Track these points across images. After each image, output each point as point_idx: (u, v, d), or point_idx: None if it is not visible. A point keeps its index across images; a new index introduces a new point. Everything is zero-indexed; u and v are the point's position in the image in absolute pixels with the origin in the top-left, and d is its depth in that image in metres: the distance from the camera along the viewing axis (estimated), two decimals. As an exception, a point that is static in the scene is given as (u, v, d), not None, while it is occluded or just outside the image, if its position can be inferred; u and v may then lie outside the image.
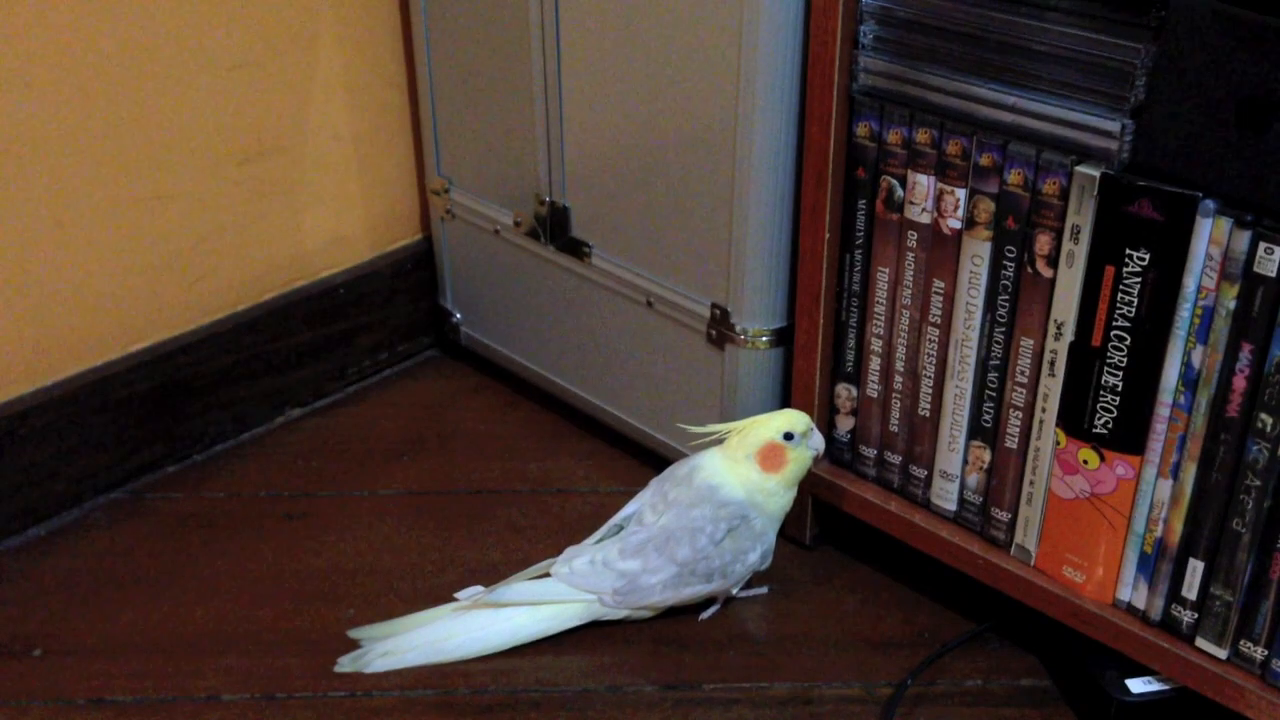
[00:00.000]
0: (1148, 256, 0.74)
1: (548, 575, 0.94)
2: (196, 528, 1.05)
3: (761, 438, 0.92)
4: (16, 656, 0.92)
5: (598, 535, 0.97)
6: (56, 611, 0.97)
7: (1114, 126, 0.74)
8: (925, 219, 0.85)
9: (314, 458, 1.14)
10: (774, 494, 0.93)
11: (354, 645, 0.93)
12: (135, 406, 1.08)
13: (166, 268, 1.09)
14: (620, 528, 0.96)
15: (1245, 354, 0.73)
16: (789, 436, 0.91)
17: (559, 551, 0.99)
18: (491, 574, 1.00)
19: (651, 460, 1.11)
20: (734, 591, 0.97)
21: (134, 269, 1.07)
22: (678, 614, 0.97)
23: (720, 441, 0.94)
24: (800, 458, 0.92)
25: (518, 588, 0.94)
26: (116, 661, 0.92)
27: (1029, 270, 0.80)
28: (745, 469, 0.92)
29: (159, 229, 1.07)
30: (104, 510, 1.07)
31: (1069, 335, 0.80)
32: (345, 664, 0.92)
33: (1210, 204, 0.71)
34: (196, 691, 0.90)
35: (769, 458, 0.92)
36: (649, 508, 0.95)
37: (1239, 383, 0.73)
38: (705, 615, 0.97)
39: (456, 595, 0.96)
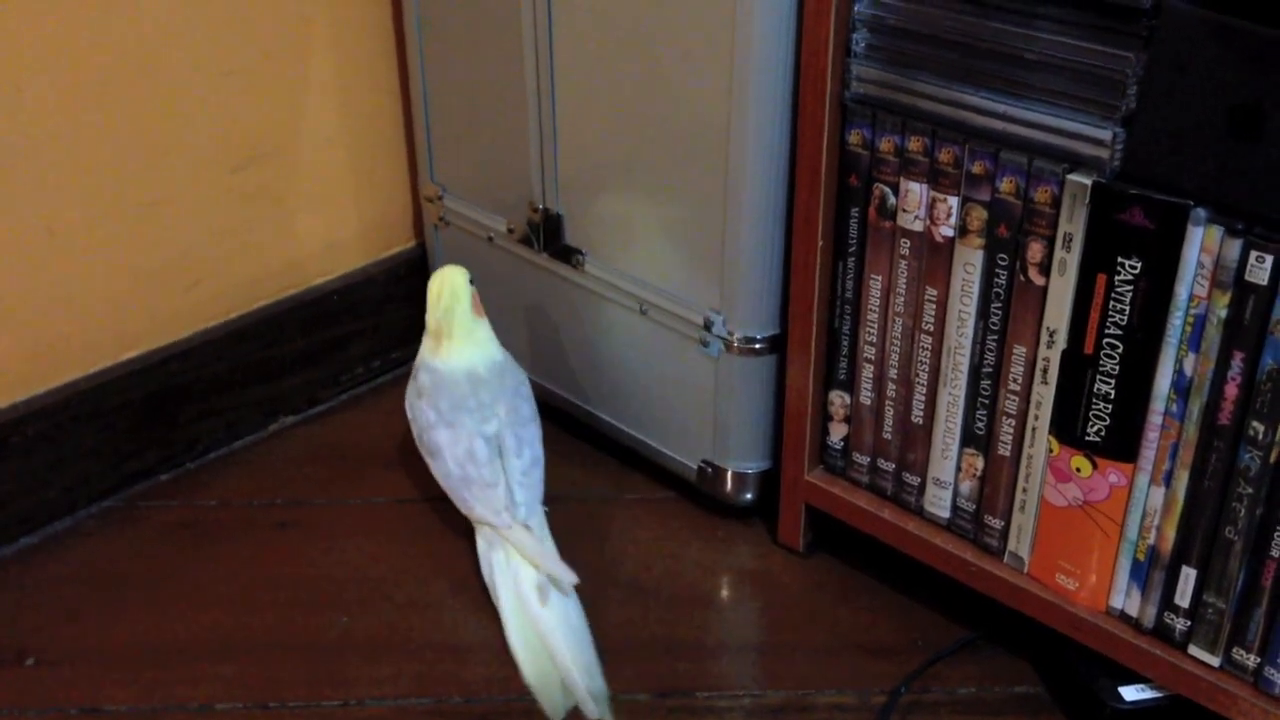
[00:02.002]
0: (1139, 264, 0.74)
1: (526, 529, 0.96)
2: (189, 536, 1.05)
3: (467, 297, 1.00)
4: (9, 665, 0.92)
5: (485, 479, 0.97)
6: (49, 620, 0.97)
7: (1105, 135, 0.74)
8: (918, 227, 0.85)
9: (307, 465, 1.14)
10: (488, 326, 1.02)
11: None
12: (128, 414, 1.08)
13: (159, 275, 1.09)
14: (497, 452, 0.97)
15: (1237, 362, 0.73)
16: (471, 282, 1.01)
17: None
18: (483, 582, 1.00)
19: (646, 467, 1.11)
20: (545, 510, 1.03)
21: (127, 276, 1.07)
22: (673, 621, 0.96)
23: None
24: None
25: (542, 550, 0.95)
26: (110, 670, 0.92)
27: (1021, 278, 0.81)
28: (476, 329, 1.01)
29: (152, 236, 1.07)
30: (97, 518, 1.07)
31: (1061, 343, 0.80)
32: (603, 713, 0.88)
33: (1202, 212, 0.71)
34: (190, 700, 0.90)
35: (477, 305, 1.02)
36: (482, 423, 0.97)
37: (1231, 390, 0.74)
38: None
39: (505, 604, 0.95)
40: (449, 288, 0.99)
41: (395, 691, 0.91)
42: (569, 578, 0.94)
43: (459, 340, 1.00)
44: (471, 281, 1.00)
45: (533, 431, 1.00)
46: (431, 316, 1.00)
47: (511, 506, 0.96)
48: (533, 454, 0.99)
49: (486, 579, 0.96)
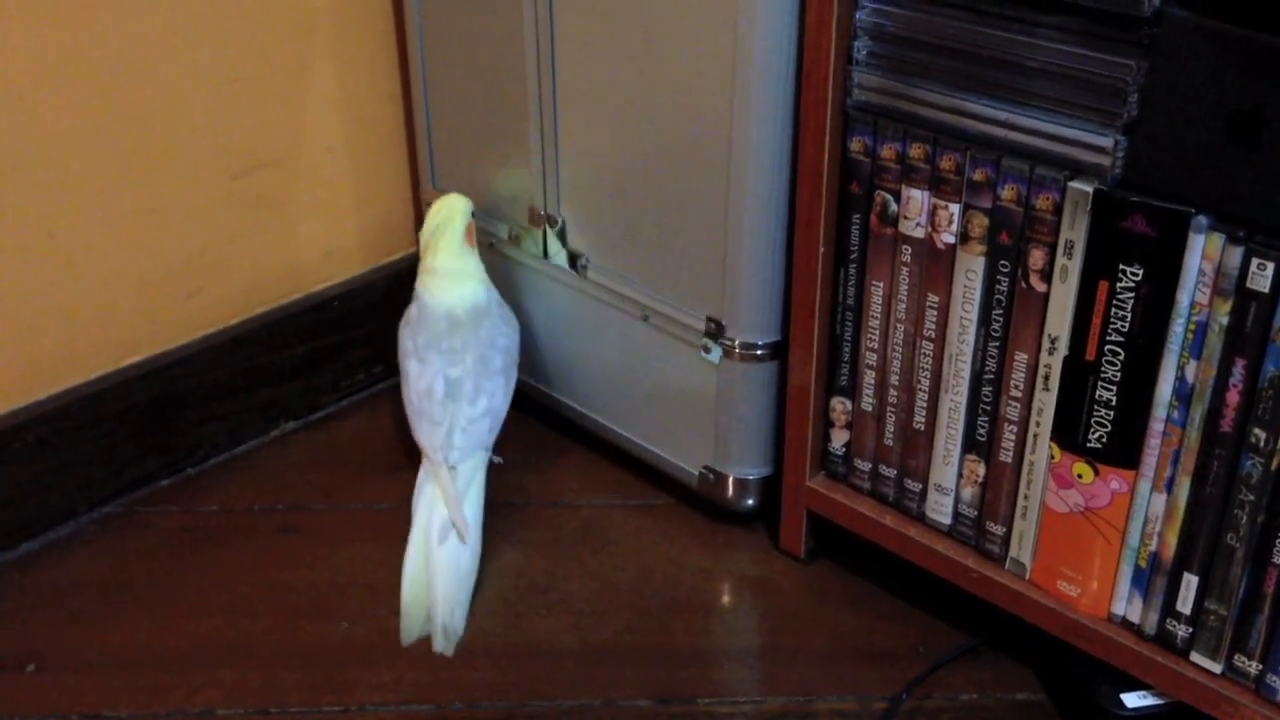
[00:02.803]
0: (1141, 272, 0.74)
1: (452, 471, 0.99)
2: (190, 542, 1.05)
3: (462, 224, 1.04)
4: (10, 672, 0.92)
5: (435, 418, 1.00)
6: (50, 627, 0.96)
7: (1107, 142, 0.74)
8: (919, 234, 0.85)
9: (308, 471, 1.14)
10: (479, 261, 1.06)
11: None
12: (129, 420, 1.08)
13: (160, 281, 1.09)
14: (447, 397, 1.00)
15: (1238, 369, 0.73)
16: (472, 214, 1.06)
17: (556, 568, 1.00)
18: (487, 586, 1.00)
19: (647, 472, 1.11)
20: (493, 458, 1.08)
21: (128, 282, 1.07)
22: (674, 627, 0.96)
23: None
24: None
25: (454, 493, 0.98)
26: (111, 676, 0.92)
27: (1023, 285, 0.81)
28: (465, 262, 1.04)
29: (153, 242, 1.07)
30: (97, 524, 1.07)
31: (1063, 350, 0.80)
32: (445, 646, 0.95)
33: (1203, 219, 0.72)
34: (191, 706, 0.90)
35: (470, 236, 1.05)
36: (449, 365, 1.01)
37: (1232, 397, 0.74)
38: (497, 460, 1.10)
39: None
40: (447, 208, 1.04)
41: (396, 697, 0.91)
42: (464, 530, 0.97)
43: (444, 265, 1.03)
44: (474, 215, 1.05)
45: (498, 383, 1.03)
46: (424, 232, 1.04)
47: (447, 448, 0.98)
48: (489, 405, 1.01)
49: (413, 503, 1.00)
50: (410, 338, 1.03)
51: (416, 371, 1.02)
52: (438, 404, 1.00)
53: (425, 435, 1.00)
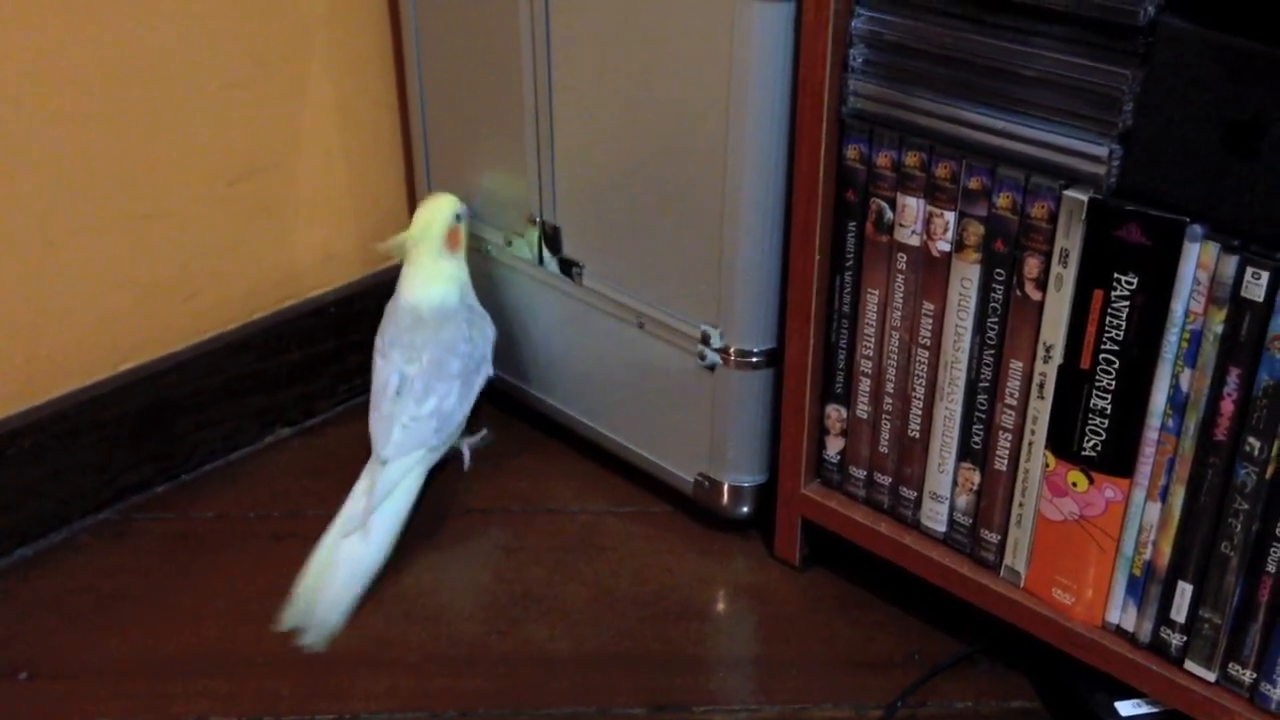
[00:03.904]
0: (1136, 280, 0.74)
1: (381, 466, 1.00)
2: (185, 549, 1.05)
3: (441, 230, 1.05)
4: (3, 679, 0.92)
5: (383, 411, 1.02)
6: (44, 634, 0.96)
7: (1102, 151, 0.74)
8: (915, 241, 0.85)
9: (304, 477, 1.14)
10: (462, 266, 1.07)
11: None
12: (124, 426, 1.08)
13: (157, 286, 1.09)
14: (398, 393, 1.02)
15: (1233, 378, 0.73)
16: (458, 218, 1.06)
17: (551, 575, 0.99)
18: (483, 594, 1.00)
19: (642, 479, 1.11)
20: (465, 445, 1.12)
21: (124, 288, 1.07)
22: (669, 635, 0.96)
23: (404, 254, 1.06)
24: (466, 230, 1.08)
25: (377, 487, 0.99)
26: (104, 684, 0.92)
27: (1018, 293, 0.81)
28: (440, 265, 1.05)
29: (149, 248, 1.07)
30: (92, 531, 1.07)
31: (1058, 358, 0.80)
32: (314, 640, 0.95)
33: (1198, 229, 0.72)
34: (185, 714, 0.89)
35: (452, 241, 1.06)
36: (405, 362, 1.03)
37: (1227, 406, 0.74)
38: (467, 466, 1.12)
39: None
40: (429, 213, 1.06)
41: (390, 705, 0.90)
42: (349, 526, 0.98)
43: (421, 269, 1.05)
44: (459, 218, 1.06)
45: (451, 387, 1.03)
46: (409, 230, 1.05)
47: (385, 442, 1.00)
48: (437, 406, 1.02)
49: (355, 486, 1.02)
50: (380, 333, 1.06)
51: (379, 365, 1.05)
52: (388, 398, 1.02)
53: (372, 426, 1.03)
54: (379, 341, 1.06)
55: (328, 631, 0.96)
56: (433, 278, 1.05)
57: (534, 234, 1.09)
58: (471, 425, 1.12)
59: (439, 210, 1.06)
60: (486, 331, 1.09)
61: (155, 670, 0.93)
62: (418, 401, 1.02)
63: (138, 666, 0.93)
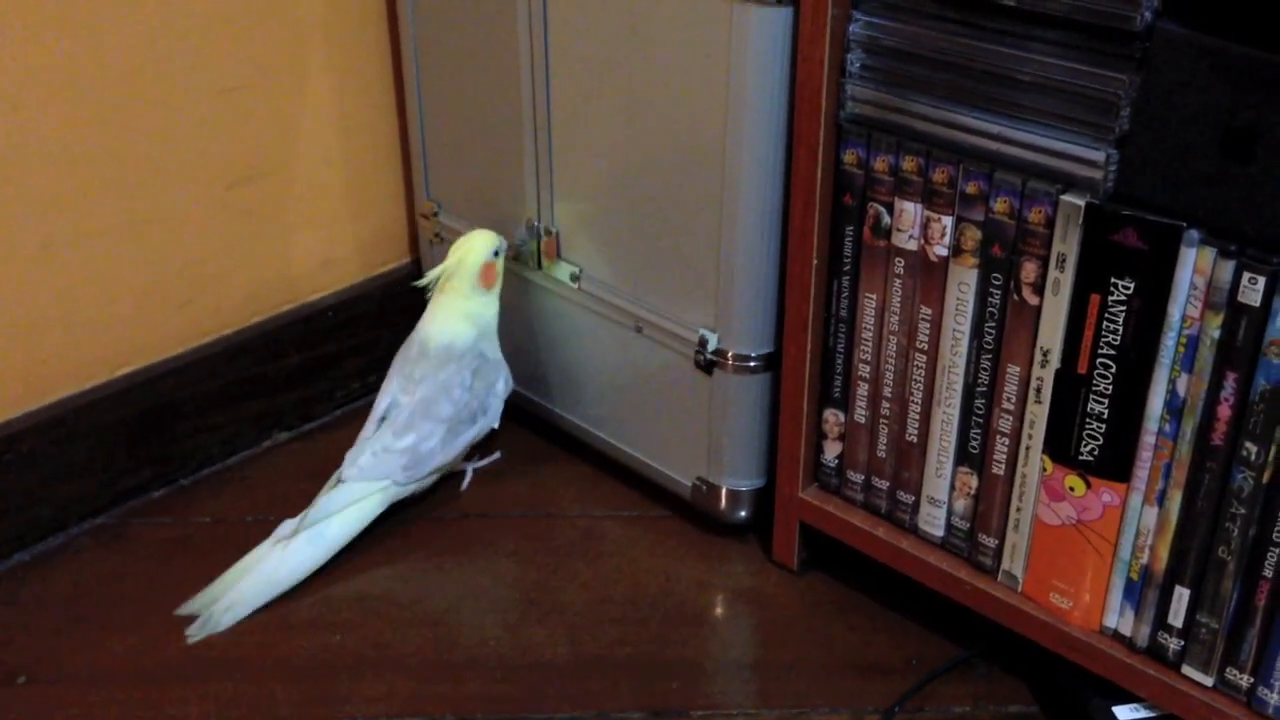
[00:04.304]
0: (1133, 285, 0.75)
1: (338, 484, 1.02)
2: (183, 553, 1.05)
3: (477, 264, 1.02)
4: (1, 683, 0.92)
5: (366, 434, 1.03)
6: (41, 639, 0.96)
7: (1099, 156, 0.74)
8: (912, 246, 0.85)
9: (302, 481, 1.13)
10: (491, 305, 1.05)
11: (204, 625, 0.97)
12: (122, 431, 1.08)
13: (155, 291, 1.09)
14: (383, 419, 1.02)
15: (1230, 382, 0.73)
16: (495, 254, 1.04)
17: (550, 579, 0.99)
18: (481, 598, 1.00)
19: (640, 484, 1.11)
20: (469, 467, 1.10)
21: (122, 292, 1.07)
22: (667, 639, 0.96)
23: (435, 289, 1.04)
24: (502, 267, 1.05)
25: (322, 503, 1.00)
26: (102, 689, 0.92)
27: (1015, 298, 0.81)
28: (465, 303, 1.03)
29: (148, 252, 1.07)
30: (90, 535, 1.07)
31: (1055, 362, 0.80)
32: (196, 633, 0.95)
33: (1195, 233, 0.72)
34: (183, 719, 0.89)
35: (487, 277, 1.03)
36: (400, 392, 1.02)
37: (1224, 411, 0.74)
38: (463, 487, 1.10)
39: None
40: (466, 246, 1.03)
41: (388, 710, 0.90)
42: (279, 534, 1.00)
43: (445, 303, 1.03)
44: (498, 253, 1.04)
45: (435, 430, 1.02)
46: (446, 262, 1.03)
47: (351, 462, 1.01)
48: (414, 444, 1.01)
49: None
50: (398, 353, 1.07)
51: (384, 385, 1.05)
52: (374, 421, 1.03)
53: (356, 443, 1.03)
54: (394, 360, 1.06)
55: (212, 629, 0.96)
56: (452, 314, 1.04)
57: (531, 242, 1.09)
58: (484, 446, 1.12)
59: (476, 245, 1.03)
60: (495, 383, 1.06)
61: (154, 675, 0.93)
62: (396, 434, 1.02)
63: (136, 671, 0.93)
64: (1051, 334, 0.80)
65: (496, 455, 1.14)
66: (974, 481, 0.88)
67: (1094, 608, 0.85)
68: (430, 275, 1.04)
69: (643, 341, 1.04)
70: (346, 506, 1.01)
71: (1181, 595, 0.80)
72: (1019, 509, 0.86)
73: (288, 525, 1.01)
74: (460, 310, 1.04)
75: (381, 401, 1.04)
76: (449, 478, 1.12)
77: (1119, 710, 0.85)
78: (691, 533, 1.08)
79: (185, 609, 0.97)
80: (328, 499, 1.01)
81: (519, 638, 0.97)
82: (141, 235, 1.07)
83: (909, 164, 0.83)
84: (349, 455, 1.03)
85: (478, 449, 1.12)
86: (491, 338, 1.06)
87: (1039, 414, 0.82)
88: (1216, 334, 0.72)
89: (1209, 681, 0.81)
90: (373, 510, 1.02)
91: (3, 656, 0.94)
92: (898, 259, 0.86)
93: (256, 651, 0.95)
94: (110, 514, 1.09)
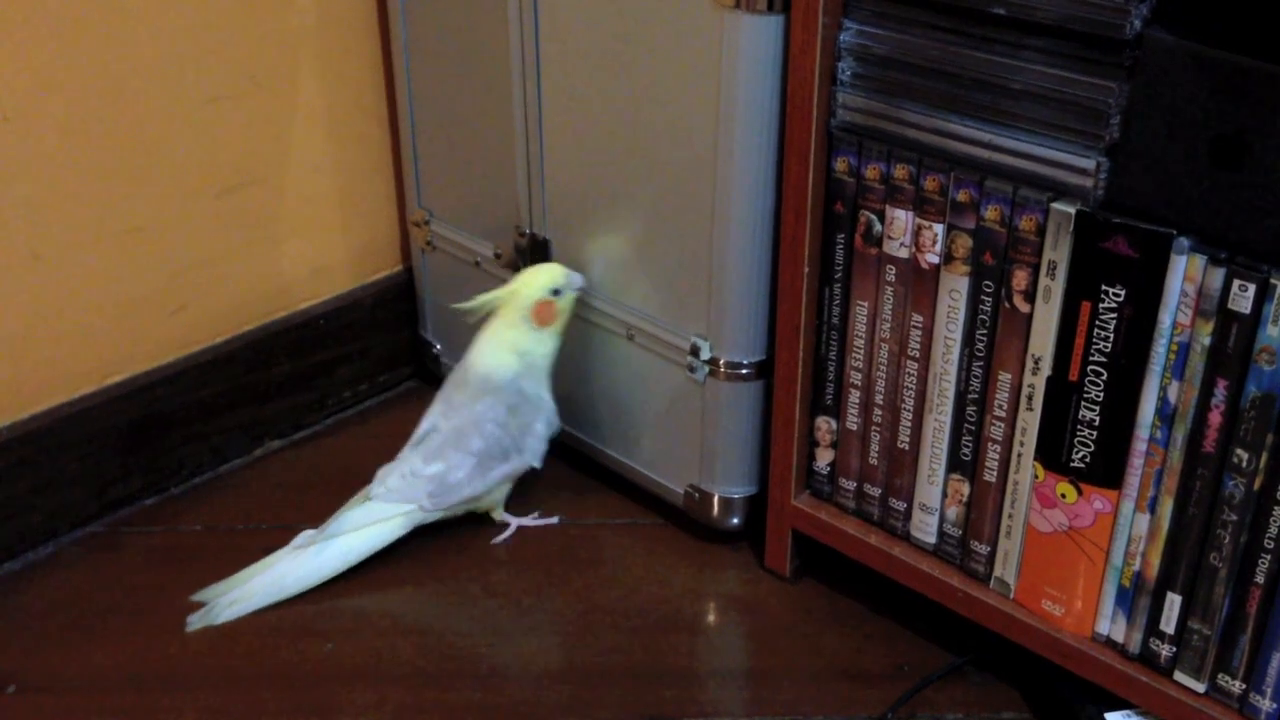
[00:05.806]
0: (1123, 293, 0.75)
1: (364, 501, 1.01)
2: (173, 562, 1.05)
3: (532, 298, 0.99)
4: (-10, 693, 0.92)
5: (404, 452, 1.03)
6: (31, 647, 0.96)
7: (1089, 164, 0.75)
8: (903, 254, 0.85)
9: (293, 490, 1.14)
10: (544, 342, 1.01)
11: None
12: (112, 439, 1.08)
13: (145, 299, 1.09)
14: (420, 442, 1.02)
15: (1220, 389, 0.73)
16: (556, 292, 1.00)
17: (542, 589, 0.99)
18: (473, 606, 1.00)
19: (632, 491, 1.11)
20: (527, 521, 1.07)
21: (112, 301, 1.07)
22: (660, 647, 0.96)
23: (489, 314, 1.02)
24: (566, 307, 1.02)
25: (346, 517, 1.00)
26: (92, 698, 0.91)
27: (1006, 305, 0.81)
28: (513, 334, 1.00)
29: (137, 261, 1.07)
30: (80, 544, 1.07)
31: (1046, 370, 0.80)
32: (195, 621, 0.96)
33: (1185, 241, 0.72)
34: (173, 728, 0.89)
35: (541, 314, 1.00)
36: (440, 416, 1.02)
37: (1215, 418, 0.74)
38: (499, 539, 1.06)
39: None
40: (522, 281, 1.01)
41: (380, 718, 0.90)
42: (298, 542, 1.00)
43: (493, 332, 1.01)
44: (558, 292, 1.00)
45: (465, 462, 1.00)
46: (500, 292, 1.01)
47: (380, 480, 1.01)
48: (443, 473, 1.00)
49: None
50: (449, 376, 1.06)
51: (431, 406, 1.04)
52: (413, 440, 1.03)
53: (391, 464, 1.03)
54: (445, 380, 1.05)
55: (210, 621, 0.97)
56: (498, 345, 1.01)
57: (524, 247, 1.09)
58: (545, 502, 1.09)
59: (534, 278, 1.00)
60: (534, 424, 1.02)
61: (144, 683, 0.93)
62: (426, 460, 1.01)
63: (127, 679, 0.93)
64: (1043, 341, 0.80)
65: (554, 520, 1.08)
66: (966, 488, 0.88)
67: (1086, 614, 0.85)
68: (478, 300, 1.01)
69: (634, 349, 1.04)
70: (368, 525, 1.00)
71: (1173, 602, 0.80)
72: (1011, 516, 0.86)
73: (305, 535, 1.01)
74: (506, 341, 1.01)
75: (425, 422, 1.03)
76: (487, 521, 1.09)
77: (1111, 716, 0.85)
78: (684, 540, 1.08)
79: (197, 596, 0.98)
80: (351, 514, 1.00)
81: (511, 645, 0.97)
82: (132, 243, 1.06)
83: (900, 172, 0.83)
84: (380, 472, 1.02)
85: (535, 506, 1.09)
86: (538, 376, 1.02)
87: (1030, 421, 0.82)
88: (1207, 341, 0.73)
89: (1201, 688, 0.81)
90: (394, 532, 1.01)
91: (-8, 666, 0.94)
92: (889, 266, 0.86)
93: (247, 660, 0.95)
94: (101, 523, 1.09)
